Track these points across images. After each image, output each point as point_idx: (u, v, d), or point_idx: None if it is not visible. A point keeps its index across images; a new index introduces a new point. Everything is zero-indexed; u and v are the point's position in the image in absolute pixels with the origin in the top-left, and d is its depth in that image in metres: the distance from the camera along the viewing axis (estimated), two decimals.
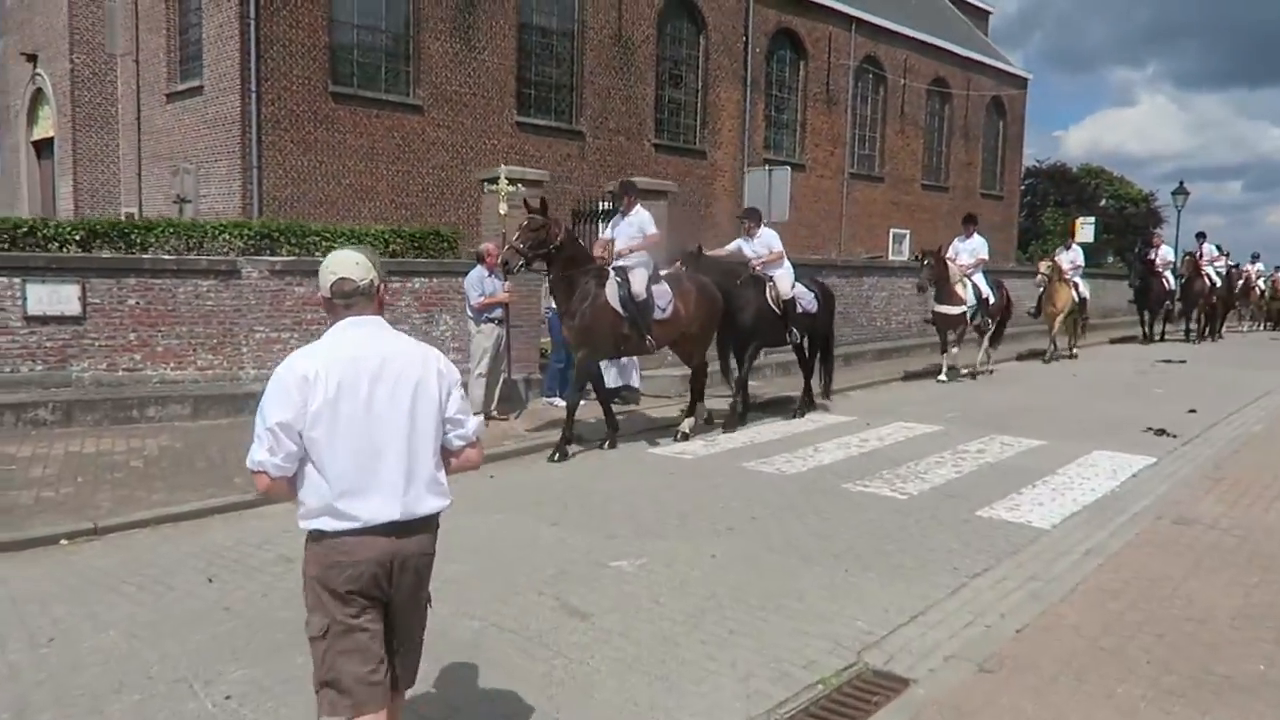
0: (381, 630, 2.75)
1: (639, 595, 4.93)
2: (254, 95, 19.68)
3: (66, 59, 23.92)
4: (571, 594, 4.92)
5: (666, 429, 9.57)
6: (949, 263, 13.47)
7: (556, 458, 8.08)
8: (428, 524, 2.81)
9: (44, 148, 25.53)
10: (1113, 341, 20.86)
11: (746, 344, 9.86)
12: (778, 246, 10.40)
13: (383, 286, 2.81)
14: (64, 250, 9.47)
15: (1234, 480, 7.66)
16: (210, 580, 5.06)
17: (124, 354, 9.38)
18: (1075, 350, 17.55)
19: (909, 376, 14.11)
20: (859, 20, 32.14)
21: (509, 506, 6.65)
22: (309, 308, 9.80)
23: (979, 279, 13.99)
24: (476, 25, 23.14)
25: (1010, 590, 5.12)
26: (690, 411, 9.40)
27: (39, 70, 25.23)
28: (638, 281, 8.51)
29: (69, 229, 9.78)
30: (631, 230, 9.05)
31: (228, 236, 10.31)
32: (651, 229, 9.13)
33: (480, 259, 9.18)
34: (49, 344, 9.04)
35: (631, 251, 8.85)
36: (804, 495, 7.06)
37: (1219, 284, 22.44)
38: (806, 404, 10.77)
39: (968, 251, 14.20)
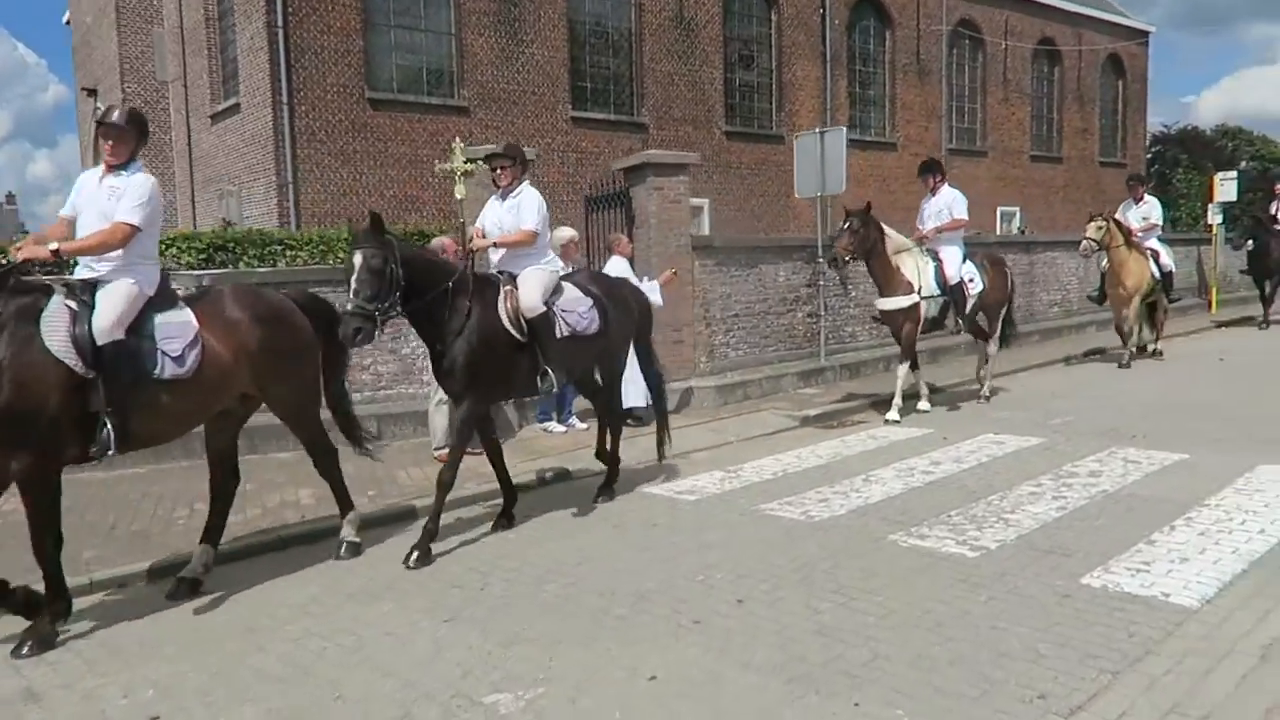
0: None
1: None
2: (286, 108, 18.67)
3: (119, 89, 23.65)
4: None
5: (683, 458, 7.66)
6: (884, 230, 8.85)
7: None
8: None
9: None
10: (1220, 326, 16.22)
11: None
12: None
13: None
14: None
15: None
16: None
17: None
18: (1157, 346, 12.51)
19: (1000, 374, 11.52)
20: None
21: (408, 588, 4.83)
22: None
23: (948, 255, 9.08)
24: (523, 18, 21.66)
25: None
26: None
27: (98, 104, 25.08)
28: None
29: None
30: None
31: (176, 250, 8.92)
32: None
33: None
34: None
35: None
36: (828, 556, 4.99)
37: None
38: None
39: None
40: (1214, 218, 18.22)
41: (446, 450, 7.32)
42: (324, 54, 19.12)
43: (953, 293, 9.09)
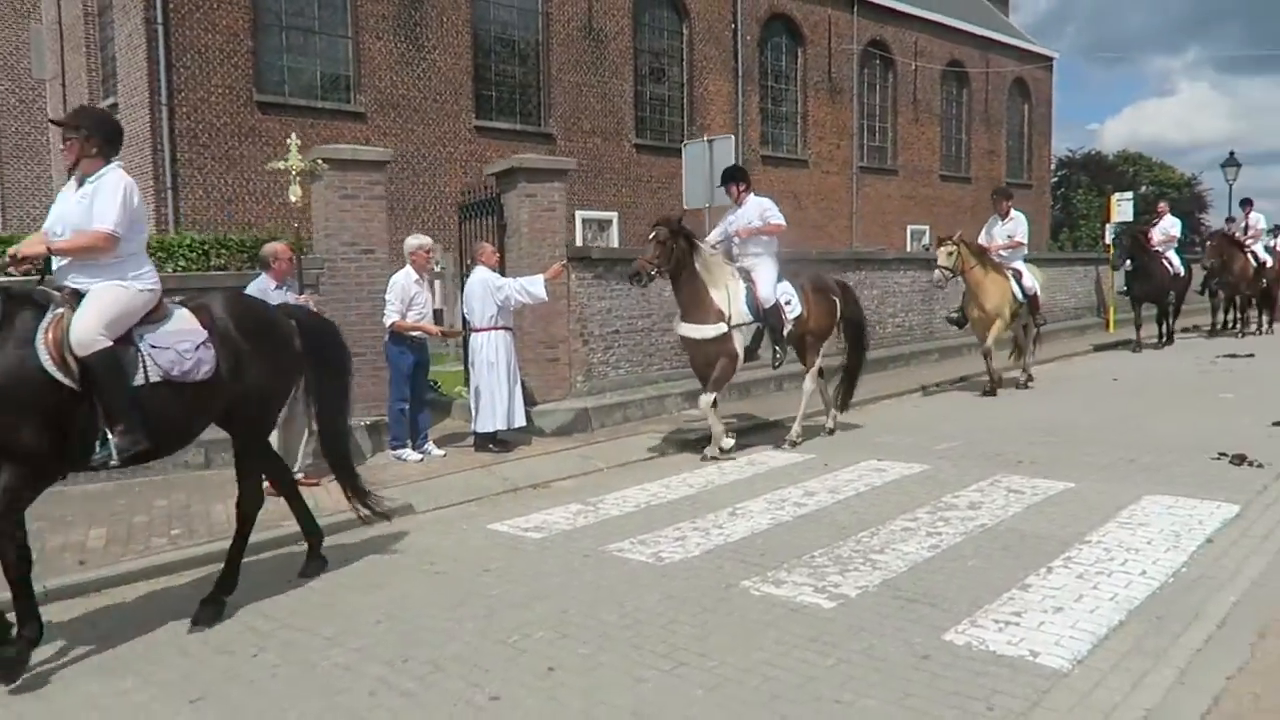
0: None
1: None
2: (165, 108, 17.58)
3: None
4: None
5: (544, 488, 7.02)
6: (695, 244, 7.58)
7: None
8: None
9: None
10: (1097, 349, 15.35)
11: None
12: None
13: None
14: None
15: None
16: None
17: None
18: (1028, 373, 11.57)
19: (898, 394, 11.18)
20: (861, 1, 29.41)
21: (167, 655, 4.07)
22: None
23: (761, 274, 7.91)
24: (424, 23, 20.89)
25: None
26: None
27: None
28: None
29: None
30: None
31: None
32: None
33: (265, 265, 6.64)
34: None
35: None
36: (668, 609, 4.39)
37: (1270, 263, 17.34)
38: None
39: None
40: (1111, 238, 18.37)
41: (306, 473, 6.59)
42: (208, 53, 18.06)
43: (767, 318, 7.86)
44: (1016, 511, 5.81)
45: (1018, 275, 11.00)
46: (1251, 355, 14.05)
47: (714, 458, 7.68)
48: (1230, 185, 22.42)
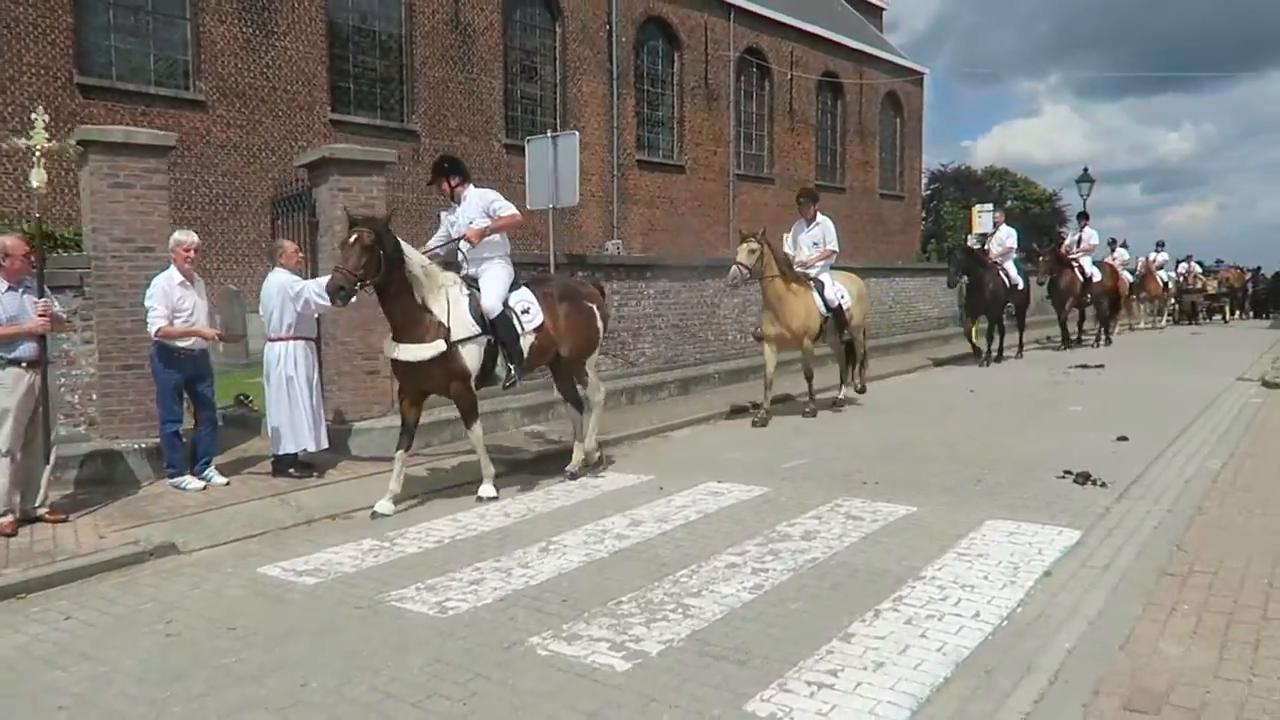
0: None
1: None
2: None
3: None
4: None
5: (344, 518, 6.21)
6: (403, 248, 6.22)
7: None
8: None
9: None
10: (937, 364, 14.92)
11: None
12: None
13: None
14: None
15: (1210, 576, 4.58)
16: None
17: None
18: (849, 392, 10.80)
19: (734, 412, 10.24)
20: (737, 8, 29.37)
21: None
22: None
23: (490, 279, 6.68)
24: (274, 7, 19.53)
25: None
26: None
27: None
28: None
29: None
30: None
31: None
32: None
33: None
34: None
35: None
36: (428, 679, 3.67)
37: (1097, 277, 17.75)
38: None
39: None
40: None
41: (7, 519, 5.57)
42: (19, 28, 16.34)
43: (497, 329, 6.54)
44: (852, 542, 5.32)
45: (819, 286, 9.85)
46: (1101, 366, 14.28)
47: (492, 498, 6.47)
48: (1084, 200, 23.17)
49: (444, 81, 22.56)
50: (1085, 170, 23.75)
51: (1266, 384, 11.70)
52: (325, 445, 7.21)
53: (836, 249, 10.23)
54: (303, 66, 20.03)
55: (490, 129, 23.54)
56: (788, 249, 10.25)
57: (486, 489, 6.56)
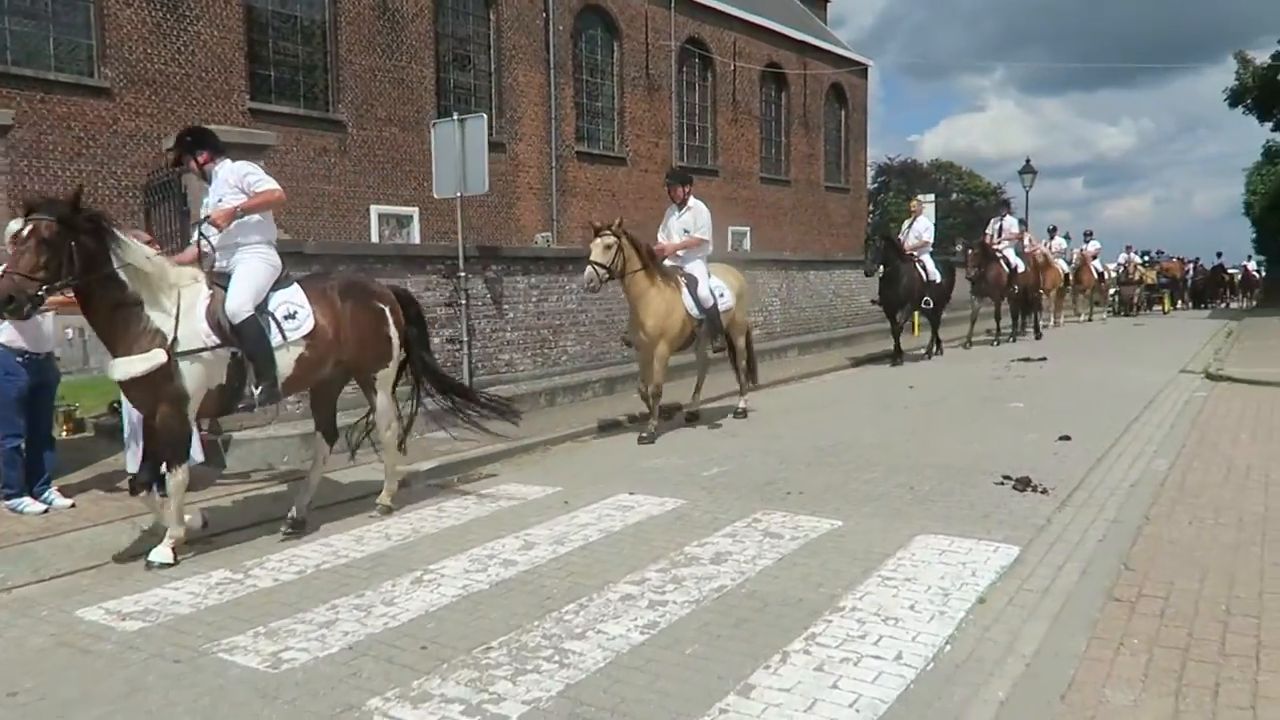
0: None
1: None
2: None
3: None
4: None
5: (204, 544, 5.48)
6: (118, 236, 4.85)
7: None
8: None
9: None
10: (855, 363, 13.98)
11: None
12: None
13: None
14: None
15: (1160, 602, 4.07)
16: None
17: None
18: (742, 403, 9.54)
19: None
20: None
21: None
22: None
23: (243, 273, 5.39)
24: None
25: None
26: None
27: None
28: None
29: None
30: None
31: None
32: None
33: None
34: None
35: None
36: None
37: (1022, 268, 17.20)
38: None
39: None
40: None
41: None
42: None
43: (242, 338, 5.19)
44: (766, 566, 4.73)
45: (693, 283, 8.51)
46: (1044, 360, 13.95)
47: (166, 564, 5.01)
48: (1027, 191, 23.02)
49: (371, 70, 21.66)
50: (1028, 161, 23.71)
51: (1210, 376, 11.41)
52: (199, 459, 6.46)
53: (708, 239, 8.76)
54: (218, 52, 19.01)
55: (421, 119, 22.56)
56: (661, 238, 8.94)
57: (161, 553, 5.02)
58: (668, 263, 8.56)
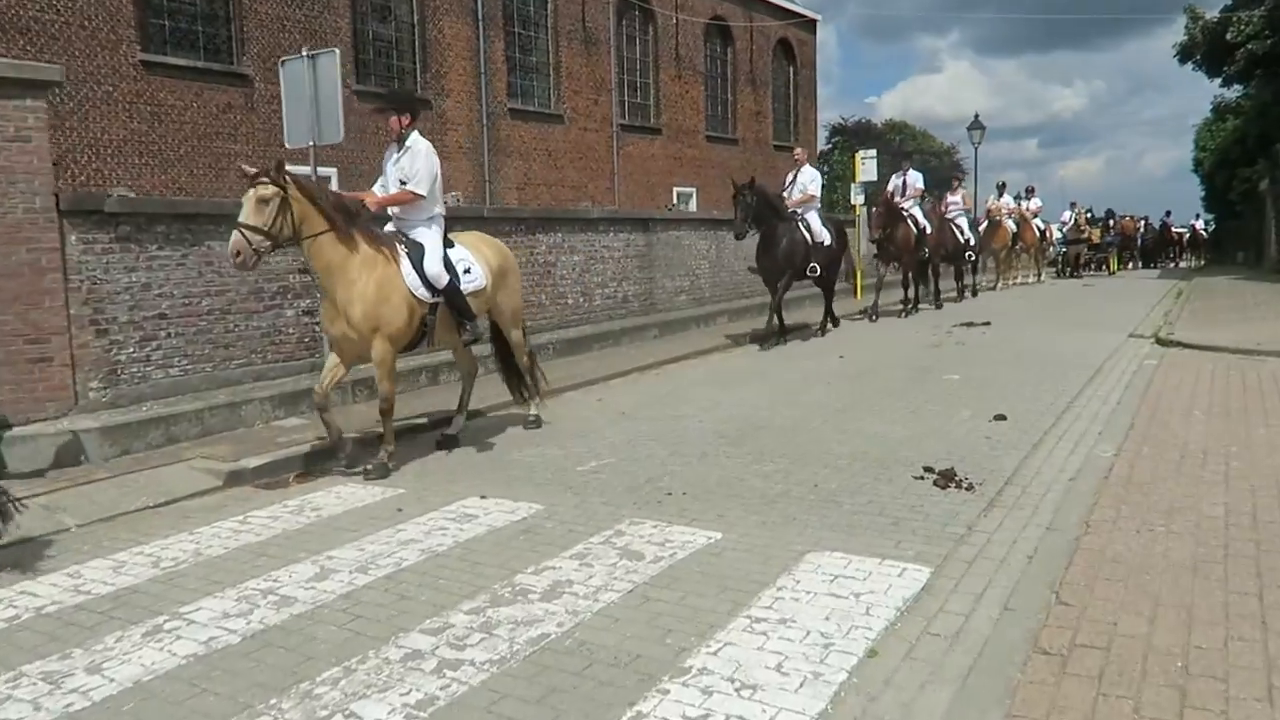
0: None
1: None
2: None
3: None
4: None
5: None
6: None
7: None
8: None
9: None
10: (723, 347, 11.53)
11: None
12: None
13: None
14: None
15: (1101, 655, 3.17)
16: None
17: None
18: (534, 410, 7.30)
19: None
20: None
21: None
22: None
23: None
24: None
25: None
26: None
27: None
28: None
29: None
30: None
31: None
32: None
33: None
34: None
35: None
36: None
37: (929, 230, 15.54)
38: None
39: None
40: (856, 198, 17.23)
41: None
42: None
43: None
44: (610, 602, 3.72)
45: (417, 252, 6.13)
46: (988, 324, 13.11)
47: None
48: (975, 147, 22.18)
49: (279, 19, 20.11)
50: (976, 117, 22.90)
51: (1160, 341, 10.61)
52: None
53: (424, 193, 6.21)
54: (104, 1, 17.35)
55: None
56: (377, 191, 6.45)
57: None
58: (389, 228, 6.33)
